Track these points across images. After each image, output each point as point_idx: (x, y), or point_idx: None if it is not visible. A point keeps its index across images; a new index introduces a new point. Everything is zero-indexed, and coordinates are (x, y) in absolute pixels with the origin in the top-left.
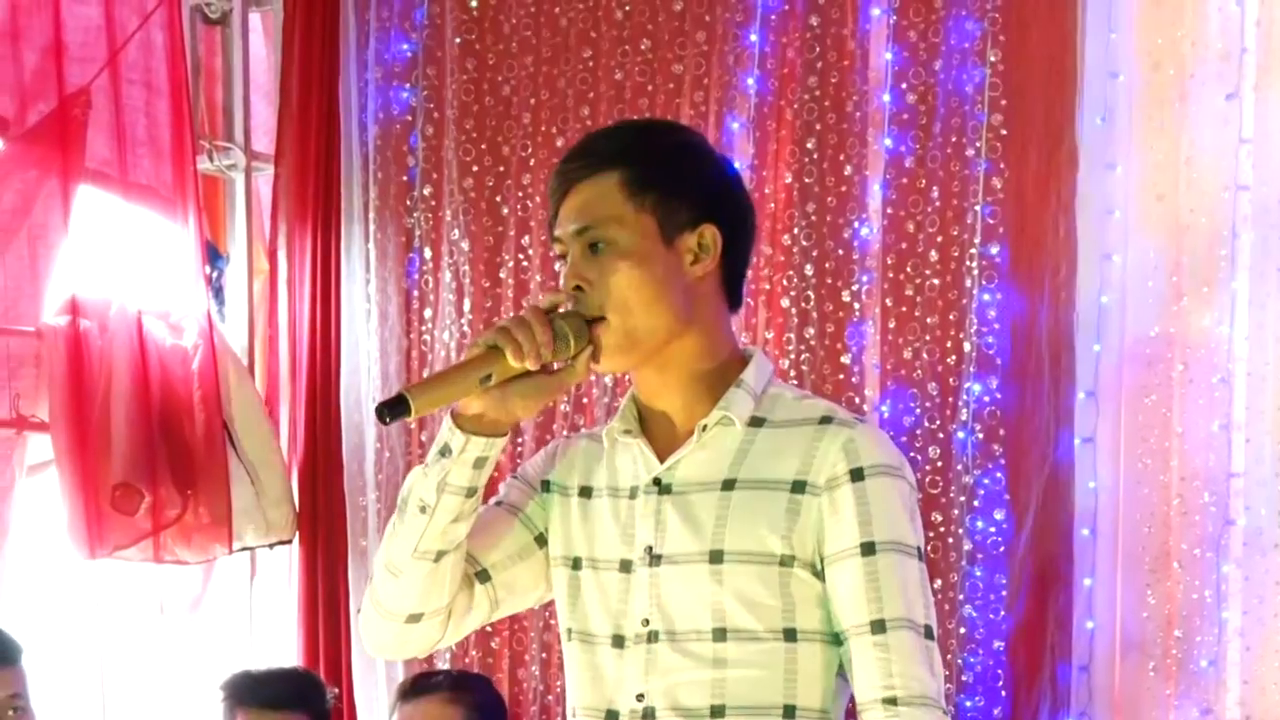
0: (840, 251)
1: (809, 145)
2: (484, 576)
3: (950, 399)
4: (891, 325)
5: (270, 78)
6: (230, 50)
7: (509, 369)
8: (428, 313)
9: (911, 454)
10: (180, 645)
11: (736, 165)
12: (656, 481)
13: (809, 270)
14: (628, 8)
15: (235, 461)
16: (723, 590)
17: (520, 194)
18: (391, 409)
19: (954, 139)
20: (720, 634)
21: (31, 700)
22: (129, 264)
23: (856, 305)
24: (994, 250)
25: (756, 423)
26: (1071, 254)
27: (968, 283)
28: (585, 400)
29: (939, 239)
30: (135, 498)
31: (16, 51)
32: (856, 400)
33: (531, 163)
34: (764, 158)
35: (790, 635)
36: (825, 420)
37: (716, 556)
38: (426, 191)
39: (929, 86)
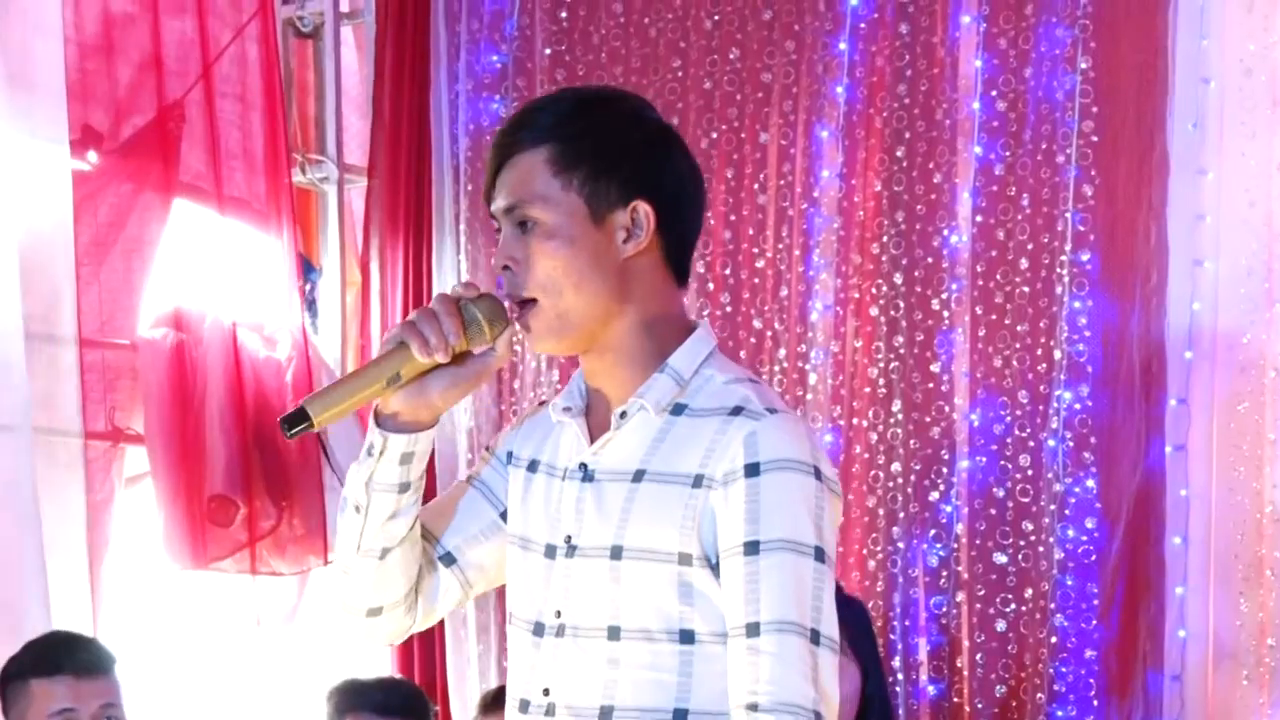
0: (930, 260)
1: (898, 153)
2: (449, 559)
3: (1041, 407)
4: (981, 333)
5: (362, 90)
6: (322, 63)
7: (420, 364)
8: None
9: (1002, 462)
10: (276, 657)
11: (824, 174)
12: (582, 466)
13: (898, 279)
14: (717, 17)
15: (329, 473)
16: (619, 588)
17: None
18: (292, 423)
19: (1044, 146)
20: (614, 632)
21: (126, 711)
22: (224, 277)
23: (946, 313)
24: (1084, 257)
25: (678, 409)
26: (1162, 260)
27: (1058, 290)
28: None
29: (1029, 246)
30: (231, 509)
31: (111, 66)
32: (946, 409)
33: None
34: (853, 166)
35: (687, 637)
36: (735, 411)
37: (616, 552)
38: None
39: (1019, 93)
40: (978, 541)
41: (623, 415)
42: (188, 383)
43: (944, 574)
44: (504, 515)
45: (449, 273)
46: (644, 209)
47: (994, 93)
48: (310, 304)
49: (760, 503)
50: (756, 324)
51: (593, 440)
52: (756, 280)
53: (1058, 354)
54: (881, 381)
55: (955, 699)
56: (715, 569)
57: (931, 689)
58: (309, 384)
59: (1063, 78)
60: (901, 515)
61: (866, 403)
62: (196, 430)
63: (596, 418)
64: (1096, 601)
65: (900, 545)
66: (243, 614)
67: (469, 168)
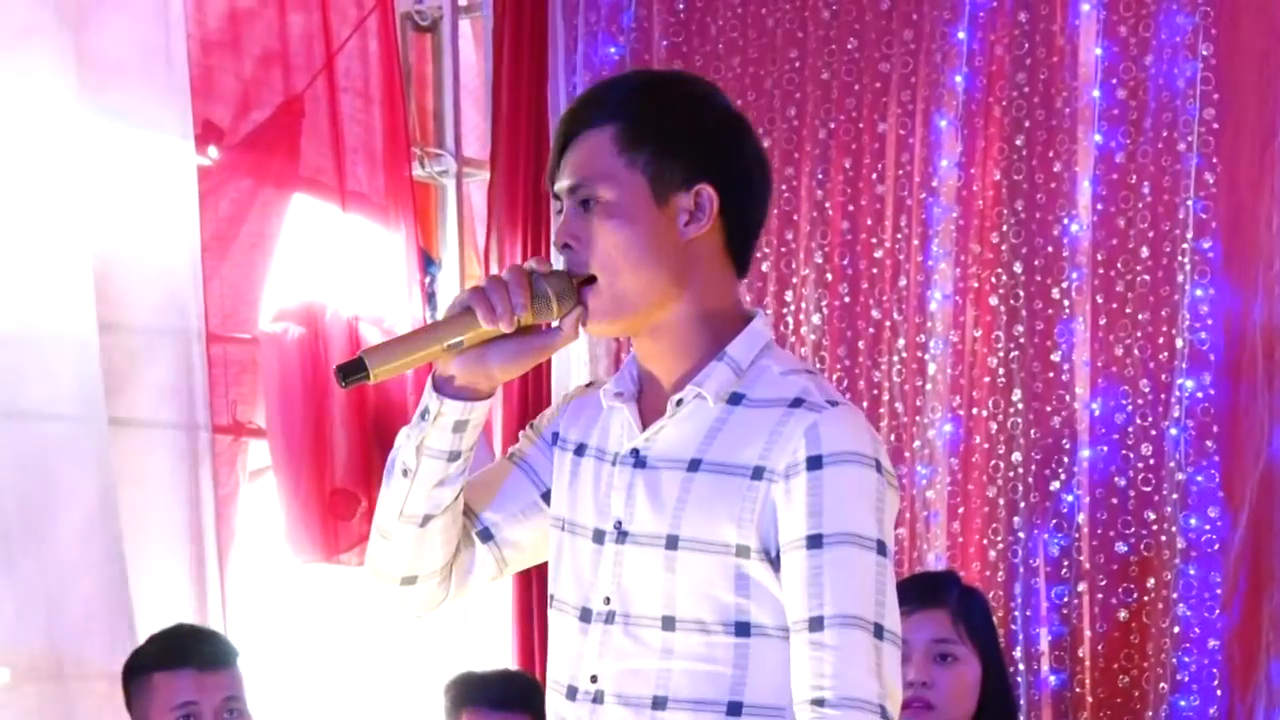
0: (1050, 248)
1: (1018, 142)
2: (486, 535)
3: (1162, 395)
4: (1102, 322)
5: (480, 83)
6: (441, 57)
7: (483, 332)
8: None
9: (1124, 451)
10: (396, 650)
11: (943, 163)
12: (634, 453)
13: (1018, 268)
14: (835, 7)
15: None
16: (675, 578)
17: None
18: (349, 372)
19: (1165, 134)
20: (669, 622)
21: (249, 704)
22: (344, 271)
23: (1066, 302)
24: (1206, 245)
25: (735, 399)
26: None
27: (1179, 278)
28: None
29: (1150, 234)
30: (352, 503)
31: (233, 61)
32: (1067, 398)
33: None
34: (972, 155)
35: (743, 629)
36: (796, 403)
37: (672, 542)
38: None
39: (1139, 81)
40: (1099, 531)
41: (679, 403)
42: (308, 376)
43: (1065, 564)
44: (546, 496)
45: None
46: (708, 193)
47: (1114, 80)
48: (430, 297)
49: (823, 496)
50: (875, 314)
51: (645, 426)
52: (875, 270)
53: (1179, 342)
54: (1001, 371)
55: (1077, 689)
56: (774, 562)
57: (1053, 679)
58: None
59: (1183, 65)
60: (1022, 505)
61: (986, 392)
62: (318, 424)
63: (648, 403)
64: (1219, 591)
65: (1021, 535)
66: (364, 607)
67: None
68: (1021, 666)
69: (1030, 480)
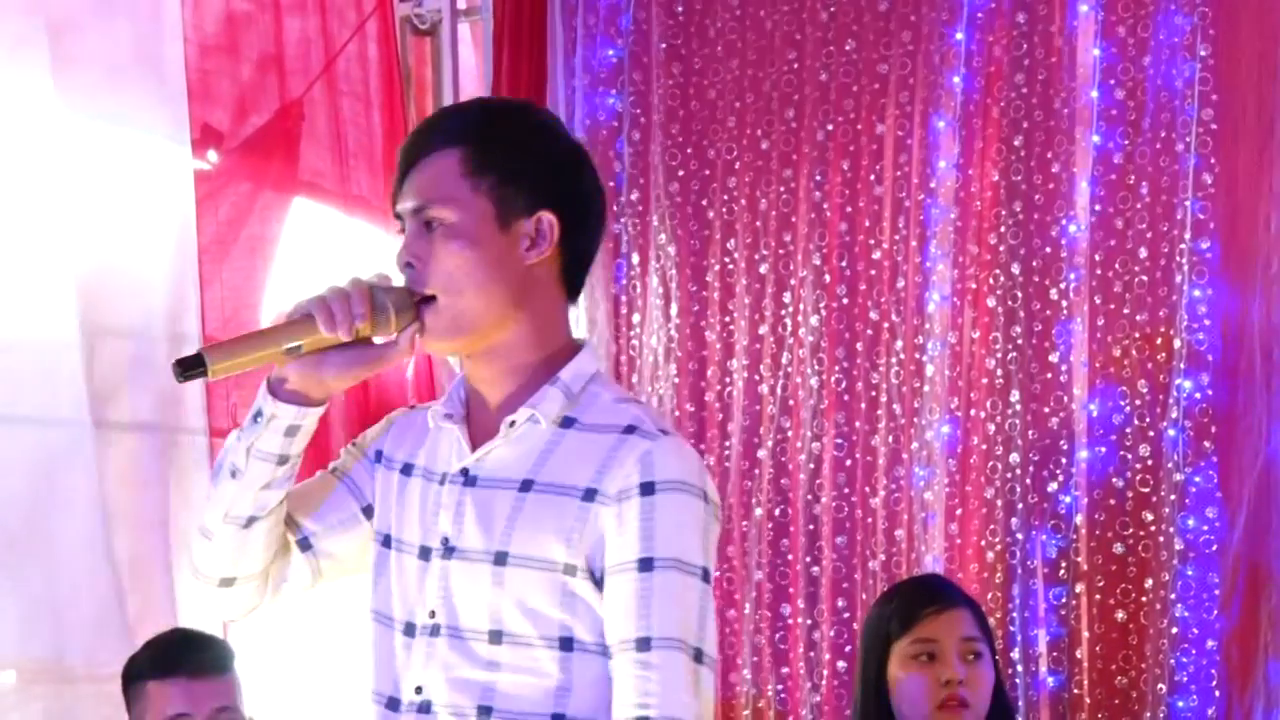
0: (1048, 249)
1: (1016, 143)
2: (305, 545)
3: (1161, 396)
4: (1100, 323)
5: (479, 87)
6: (440, 60)
7: (322, 339)
8: (635, 318)
9: (1122, 452)
10: None
11: (941, 165)
12: (464, 472)
13: (1016, 269)
14: (833, 9)
15: None
16: (503, 593)
17: (726, 197)
18: (187, 367)
19: (1163, 134)
20: (496, 636)
21: (256, 710)
22: (345, 275)
23: (1064, 303)
24: (1204, 246)
25: (567, 423)
26: None
27: (1178, 279)
28: None
29: (1148, 235)
30: None
31: (231, 65)
32: (1064, 399)
33: (737, 166)
34: (970, 156)
35: (566, 644)
36: (629, 429)
37: (501, 558)
38: (633, 196)
39: (1138, 82)
40: (1097, 532)
41: (512, 424)
42: None
43: (1063, 565)
44: (366, 510)
45: None
46: (549, 220)
47: (1112, 81)
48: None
49: (654, 521)
50: (873, 315)
51: (474, 447)
52: (873, 272)
53: (1177, 343)
54: (999, 372)
55: (1075, 690)
56: (597, 581)
57: (1051, 680)
58: (430, 380)
59: (1182, 66)
60: (1020, 506)
61: (984, 394)
62: (320, 425)
63: (477, 425)
64: (1218, 591)
65: (1019, 536)
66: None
67: None
68: (1020, 668)
69: (1028, 481)
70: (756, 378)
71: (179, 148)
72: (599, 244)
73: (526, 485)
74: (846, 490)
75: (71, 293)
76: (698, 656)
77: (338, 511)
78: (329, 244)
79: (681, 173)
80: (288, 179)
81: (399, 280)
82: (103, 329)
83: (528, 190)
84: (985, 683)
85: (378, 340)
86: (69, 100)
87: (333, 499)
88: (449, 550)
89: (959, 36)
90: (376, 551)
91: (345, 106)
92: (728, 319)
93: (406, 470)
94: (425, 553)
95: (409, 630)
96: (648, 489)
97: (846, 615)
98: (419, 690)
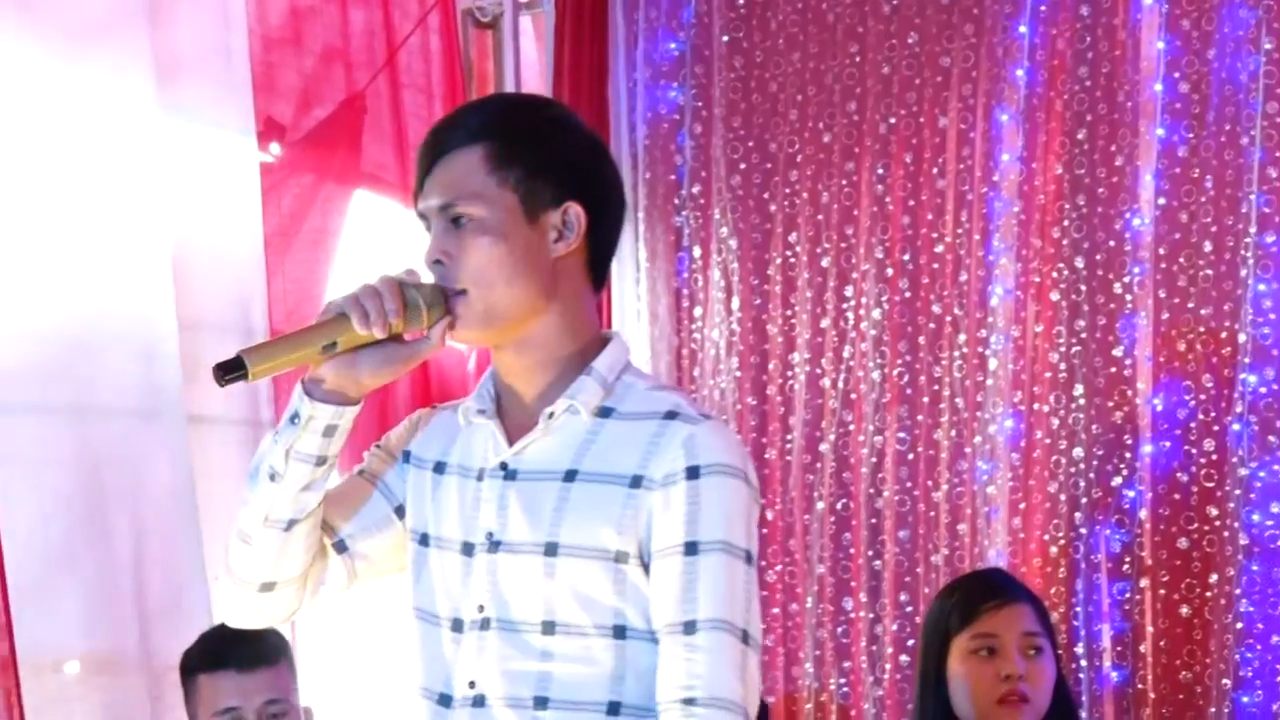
0: (1111, 243)
1: (1079, 136)
2: (341, 547)
3: (1225, 391)
4: (1164, 317)
5: (541, 80)
6: (501, 53)
7: (356, 337)
8: (697, 311)
9: (1186, 446)
10: None
11: (1004, 158)
12: (503, 466)
13: (1079, 262)
14: (895, 2)
15: None
16: (554, 583)
17: (788, 190)
18: (227, 370)
19: (1227, 128)
20: (549, 627)
21: (299, 698)
22: (407, 266)
23: (1128, 297)
24: (1269, 239)
25: (604, 413)
26: None
27: (1242, 272)
28: None
29: (1212, 229)
30: None
31: (295, 58)
32: (1128, 393)
33: (799, 159)
34: (1033, 150)
35: (620, 632)
36: (670, 415)
37: (551, 549)
38: (695, 190)
39: (1202, 75)
40: (1161, 527)
41: (550, 415)
42: None
43: (1127, 560)
44: (399, 511)
45: (627, 261)
46: (576, 211)
47: (1176, 74)
48: None
49: (700, 505)
50: (936, 309)
51: (509, 441)
52: (936, 266)
53: (1242, 337)
54: (1063, 366)
55: (1139, 685)
56: (648, 567)
57: (1115, 675)
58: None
59: (1246, 59)
60: (1084, 501)
61: (1048, 388)
62: (382, 418)
63: (511, 419)
64: None
65: (1082, 531)
66: None
67: (647, 156)
68: (1084, 663)
69: (1092, 476)
70: (818, 371)
71: (244, 140)
72: (619, 235)
73: (570, 475)
74: (909, 484)
75: (141, 286)
76: (744, 638)
77: (371, 513)
78: (390, 237)
79: (743, 166)
80: (350, 171)
81: (427, 277)
82: (164, 322)
83: (554, 183)
84: (1046, 678)
85: (408, 337)
86: (135, 94)
87: (365, 501)
88: (495, 544)
89: (1022, 29)
90: (414, 551)
91: (407, 99)
92: (789, 312)
93: (439, 469)
94: (468, 548)
95: (457, 626)
96: (693, 473)
97: (909, 609)
98: (472, 684)
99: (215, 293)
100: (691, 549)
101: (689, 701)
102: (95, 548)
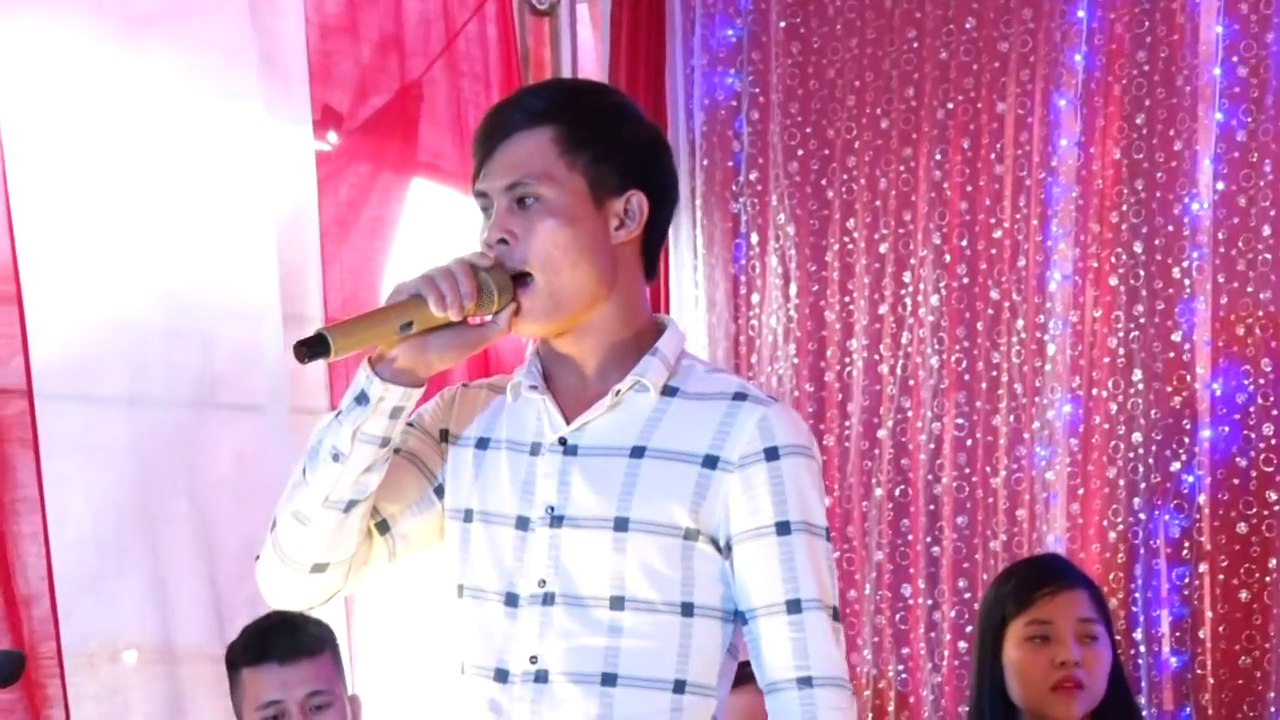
0: (1170, 228)
1: (1138, 121)
2: (384, 527)
3: None
4: (1223, 301)
5: (598, 68)
6: (558, 41)
7: (430, 318)
8: (755, 298)
9: (1245, 431)
10: None
11: (1062, 143)
12: (562, 441)
13: (1138, 247)
14: None
15: None
16: (624, 558)
17: (845, 177)
18: (311, 348)
19: None
20: (618, 602)
21: (346, 687)
22: (463, 253)
23: (1187, 282)
24: None
25: (670, 392)
26: None
27: None
28: None
29: (1271, 213)
30: None
31: (351, 46)
32: (1187, 378)
33: (856, 145)
34: (1091, 134)
35: (688, 610)
36: (739, 396)
37: (621, 524)
38: (752, 176)
39: (1260, 59)
40: (1220, 512)
41: (617, 392)
42: None
43: (1186, 545)
44: (438, 491)
45: (684, 248)
46: (639, 199)
47: (1235, 58)
48: None
49: (784, 486)
50: (994, 295)
51: (565, 416)
52: (994, 251)
53: None
54: (1121, 351)
55: (1198, 670)
56: (719, 546)
57: (1174, 660)
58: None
59: None
60: (1143, 486)
61: (1106, 373)
62: None
63: (563, 394)
64: None
65: (1141, 516)
66: None
67: (704, 143)
68: (1142, 648)
69: (1150, 461)
70: (876, 357)
71: (300, 129)
72: (670, 226)
73: (639, 452)
74: (967, 470)
75: (189, 275)
76: (835, 615)
77: (413, 493)
78: (448, 225)
79: (801, 152)
80: (407, 160)
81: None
82: (221, 311)
83: (619, 169)
84: (1101, 665)
85: (474, 321)
86: (191, 82)
87: (408, 481)
88: (557, 519)
89: (1080, 14)
90: (458, 529)
91: (464, 87)
92: (847, 299)
93: (482, 444)
94: (523, 522)
95: (511, 600)
96: (772, 454)
97: (967, 595)
98: (534, 660)
99: (265, 283)
100: (783, 529)
101: (805, 681)
102: (145, 538)
